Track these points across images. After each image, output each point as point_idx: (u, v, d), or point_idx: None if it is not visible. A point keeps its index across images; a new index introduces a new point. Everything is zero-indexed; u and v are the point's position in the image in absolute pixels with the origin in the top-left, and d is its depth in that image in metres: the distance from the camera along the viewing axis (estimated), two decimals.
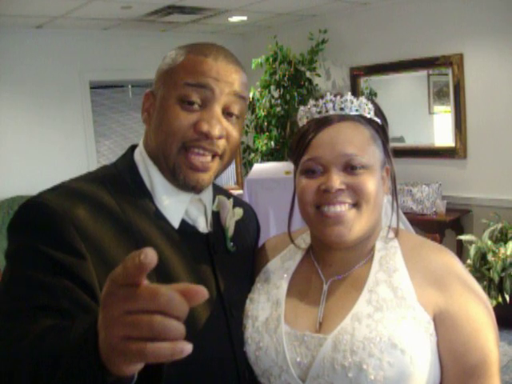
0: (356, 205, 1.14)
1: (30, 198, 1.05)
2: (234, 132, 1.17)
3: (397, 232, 1.22)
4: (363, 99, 1.19)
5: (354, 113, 1.17)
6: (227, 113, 1.15)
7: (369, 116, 1.18)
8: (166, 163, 1.14)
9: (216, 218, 1.28)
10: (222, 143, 1.14)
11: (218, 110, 1.13)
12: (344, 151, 1.13)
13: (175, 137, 1.12)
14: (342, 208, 1.13)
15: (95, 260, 1.00)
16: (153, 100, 1.19)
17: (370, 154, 1.15)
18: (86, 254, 0.99)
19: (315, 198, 1.15)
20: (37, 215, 1.01)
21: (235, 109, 1.16)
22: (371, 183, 1.14)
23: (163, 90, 1.15)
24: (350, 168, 1.13)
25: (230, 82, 1.14)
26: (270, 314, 1.19)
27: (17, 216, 1.04)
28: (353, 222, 1.14)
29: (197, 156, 1.13)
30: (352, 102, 1.17)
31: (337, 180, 1.12)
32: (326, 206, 1.14)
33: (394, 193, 1.24)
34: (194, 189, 1.16)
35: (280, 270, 1.28)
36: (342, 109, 1.17)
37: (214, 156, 1.15)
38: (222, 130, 1.13)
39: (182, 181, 1.14)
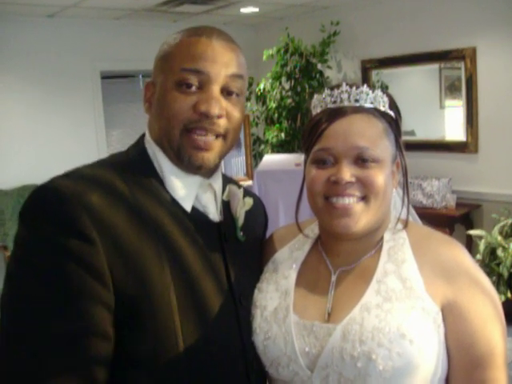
0: (364, 198, 1.14)
1: (43, 183, 1.06)
2: (235, 111, 1.17)
3: (406, 224, 1.22)
4: (379, 92, 1.18)
5: (368, 105, 1.16)
6: (227, 92, 1.16)
7: (383, 109, 1.18)
8: (171, 146, 1.15)
9: (226, 207, 1.28)
10: (223, 122, 1.15)
11: (216, 90, 1.13)
12: (356, 144, 1.12)
13: (176, 120, 1.12)
14: (351, 200, 1.13)
15: (107, 245, 1.01)
16: (153, 89, 1.19)
17: (382, 147, 1.15)
18: (96, 239, 1.00)
19: (324, 189, 1.15)
20: (49, 200, 1.02)
21: (234, 87, 1.16)
22: (381, 177, 1.14)
23: (161, 76, 1.16)
24: (361, 161, 1.13)
25: (226, 62, 1.14)
26: (278, 303, 1.20)
27: (29, 201, 1.04)
28: (360, 215, 1.14)
29: (199, 136, 1.13)
30: (367, 94, 1.17)
31: (347, 172, 1.12)
32: (334, 197, 1.14)
33: (406, 186, 1.24)
34: (200, 169, 1.16)
35: (288, 260, 1.28)
36: (356, 100, 1.16)
37: (217, 136, 1.15)
38: (222, 109, 1.13)
39: (187, 161, 1.14)
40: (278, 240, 1.37)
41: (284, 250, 1.32)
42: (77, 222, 0.99)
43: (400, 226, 1.22)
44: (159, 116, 1.16)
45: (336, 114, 1.15)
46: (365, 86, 1.18)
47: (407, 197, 1.23)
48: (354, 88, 1.17)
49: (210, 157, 1.15)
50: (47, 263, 0.98)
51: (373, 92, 1.17)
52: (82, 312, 0.98)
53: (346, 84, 1.18)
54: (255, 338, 1.19)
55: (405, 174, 1.23)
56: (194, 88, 1.13)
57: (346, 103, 1.16)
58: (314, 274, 1.24)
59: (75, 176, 1.09)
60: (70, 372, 0.96)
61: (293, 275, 1.24)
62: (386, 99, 1.19)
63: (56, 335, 0.96)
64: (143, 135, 1.25)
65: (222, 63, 1.13)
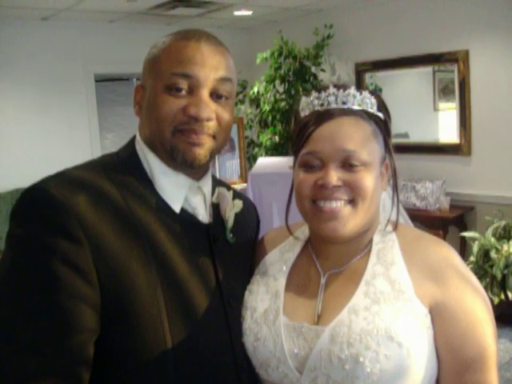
0: (352, 201, 1.14)
1: (33, 184, 1.07)
2: (225, 114, 1.18)
3: (395, 226, 1.22)
4: (366, 93, 1.18)
5: (356, 107, 1.16)
6: (216, 95, 1.17)
7: (371, 111, 1.17)
8: (163, 147, 1.15)
9: (215, 209, 1.28)
10: (212, 125, 1.16)
11: (205, 94, 1.14)
12: (343, 147, 1.12)
13: (166, 122, 1.13)
14: (338, 204, 1.13)
15: (93, 246, 1.02)
16: (143, 92, 1.20)
17: (370, 150, 1.15)
18: (83, 239, 1.01)
19: (312, 193, 1.15)
20: (38, 201, 1.03)
21: (223, 91, 1.17)
22: (369, 180, 1.13)
23: (151, 80, 1.17)
24: (348, 164, 1.13)
25: (215, 65, 1.15)
26: (268, 305, 1.20)
27: (19, 201, 1.06)
28: (347, 218, 1.14)
29: (191, 134, 1.14)
30: (355, 97, 1.16)
31: (334, 176, 1.12)
32: (321, 200, 1.14)
33: (395, 187, 1.23)
34: (192, 165, 1.16)
35: (279, 262, 1.29)
36: (344, 103, 1.16)
37: (207, 135, 1.16)
38: (211, 112, 1.14)
39: (181, 158, 1.15)
40: (268, 242, 1.37)
41: (275, 252, 1.32)
42: (64, 222, 1.01)
43: (390, 227, 1.22)
44: (149, 118, 1.17)
45: (323, 116, 1.15)
46: (352, 87, 1.17)
47: (397, 198, 1.23)
48: (342, 90, 1.17)
49: (201, 152, 1.16)
50: (34, 262, 1.00)
51: (360, 94, 1.17)
52: (68, 310, 0.98)
53: (334, 86, 1.18)
54: (245, 340, 1.19)
55: (394, 176, 1.22)
56: (183, 92, 1.14)
57: (333, 106, 1.16)
58: (304, 276, 1.24)
59: (64, 177, 1.10)
60: (54, 369, 0.97)
61: (283, 277, 1.24)
62: (373, 101, 1.18)
63: (40, 331, 0.97)
64: (134, 137, 1.26)
65: (211, 67, 1.14)
